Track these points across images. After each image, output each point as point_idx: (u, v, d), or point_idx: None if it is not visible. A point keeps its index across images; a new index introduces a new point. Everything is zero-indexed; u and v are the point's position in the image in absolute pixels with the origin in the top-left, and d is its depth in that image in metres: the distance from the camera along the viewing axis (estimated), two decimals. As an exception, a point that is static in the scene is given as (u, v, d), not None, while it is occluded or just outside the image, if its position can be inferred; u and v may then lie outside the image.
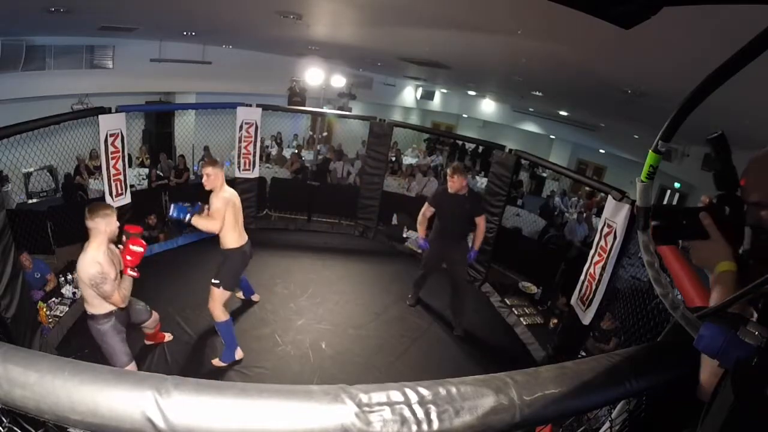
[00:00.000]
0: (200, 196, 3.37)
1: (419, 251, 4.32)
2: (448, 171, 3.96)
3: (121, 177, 4.54)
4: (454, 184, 3.87)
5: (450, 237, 4.09)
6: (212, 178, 3.16)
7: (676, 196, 9.52)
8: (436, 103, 15.12)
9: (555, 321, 4.50)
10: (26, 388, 0.65)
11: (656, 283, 0.87)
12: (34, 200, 6.44)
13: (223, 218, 3.17)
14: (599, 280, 3.36)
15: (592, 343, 3.93)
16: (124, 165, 4.54)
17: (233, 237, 3.29)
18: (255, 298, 4.24)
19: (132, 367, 2.75)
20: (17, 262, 2.95)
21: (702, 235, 0.85)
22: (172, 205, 3.08)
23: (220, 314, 3.28)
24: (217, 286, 3.25)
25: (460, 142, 12.90)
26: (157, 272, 4.61)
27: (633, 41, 2.58)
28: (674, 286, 1.90)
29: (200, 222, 3.12)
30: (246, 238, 3.42)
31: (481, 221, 4.00)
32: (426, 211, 4.13)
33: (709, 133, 0.84)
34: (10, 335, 2.79)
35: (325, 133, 10.19)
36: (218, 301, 3.26)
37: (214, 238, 3.33)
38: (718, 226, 0.84)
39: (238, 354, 3.43)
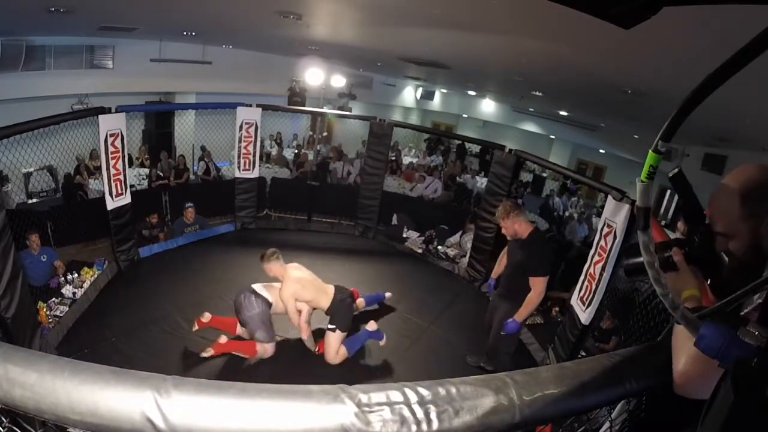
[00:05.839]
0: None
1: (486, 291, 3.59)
2: (497, 214, 3.20)
3: (121, 177, 4.54)
4: (507, 229, 3.11)
5: (501, 289, 3.34)
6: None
7: (676, 195, 9.52)
8: (436, 103, 15.11)
9: (557, 309, 4.58)
10: (26, 388, 0.65)
11: (656, 283, 0.86)
12: (34, 200, 6.43)
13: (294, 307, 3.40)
14: (599, 280, 3.36)
15: (592, 343, 3.93)
16: (124, 165, 4.54)
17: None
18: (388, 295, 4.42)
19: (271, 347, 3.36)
20: (17, 262, 2.95)
21: (672, 267, 0.92)
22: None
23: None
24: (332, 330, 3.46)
25: (458, 142, 12.91)
26: (158, 272, 4.63)
27: (633, 41, 2.58)
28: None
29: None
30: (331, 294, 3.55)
31: (537, 284, 2.95)
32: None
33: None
34: (10, 335, 2.79)
35: (325, 133, 10.17)
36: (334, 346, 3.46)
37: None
38: (688, 258, 0.92)
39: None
